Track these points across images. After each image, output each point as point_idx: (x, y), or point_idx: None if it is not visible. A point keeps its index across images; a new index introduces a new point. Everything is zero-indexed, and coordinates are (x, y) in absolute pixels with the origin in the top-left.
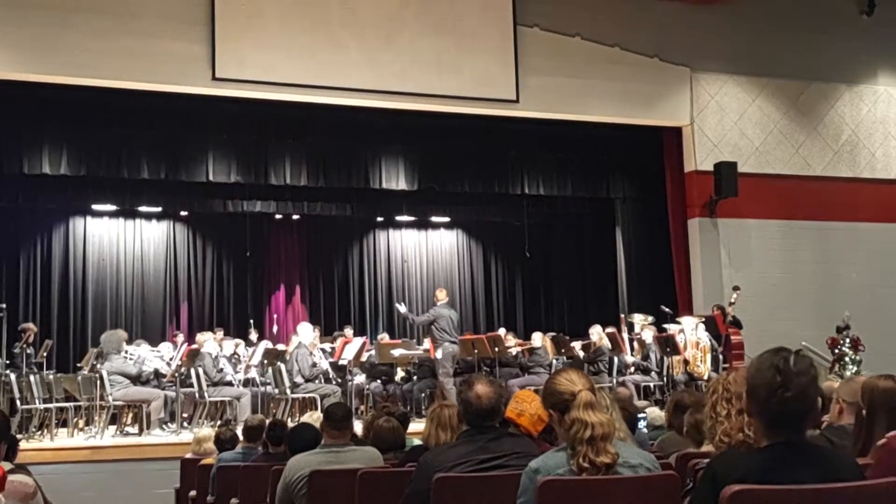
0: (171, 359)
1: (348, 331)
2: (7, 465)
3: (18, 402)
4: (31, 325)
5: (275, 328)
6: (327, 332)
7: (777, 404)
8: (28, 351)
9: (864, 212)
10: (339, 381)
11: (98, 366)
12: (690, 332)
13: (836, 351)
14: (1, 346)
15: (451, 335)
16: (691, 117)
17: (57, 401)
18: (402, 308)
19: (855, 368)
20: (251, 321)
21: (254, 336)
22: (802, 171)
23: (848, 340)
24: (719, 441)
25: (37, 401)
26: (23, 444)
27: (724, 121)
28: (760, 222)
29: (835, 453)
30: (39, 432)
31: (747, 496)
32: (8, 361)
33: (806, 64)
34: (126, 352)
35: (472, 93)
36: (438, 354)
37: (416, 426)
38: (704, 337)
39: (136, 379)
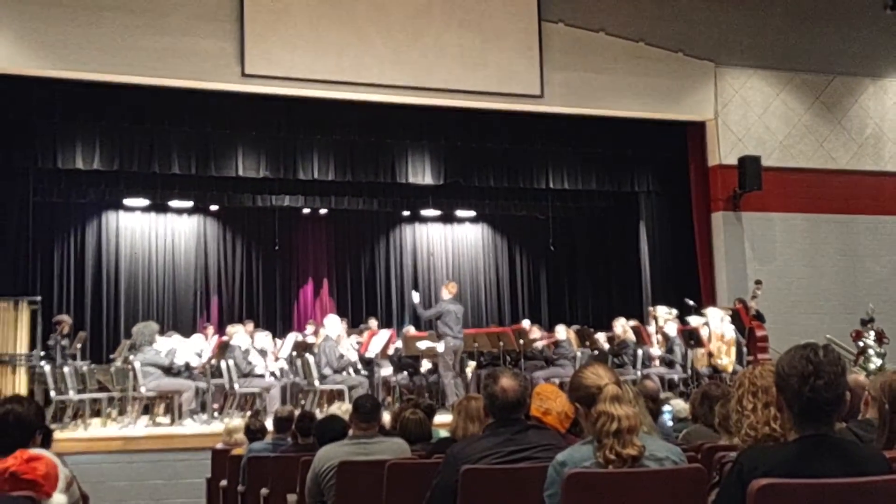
0: (201, 350)
1: (373, 322)
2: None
3: (53, 393)
4: (65, 317)
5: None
6: (354, 325)
7: (810, 391)
8: (63, 343)
9: (889, 205)
10: (366, 373)
11: (131, 357)
12: (716, 324)
13: (861, 344)
14: (36, 338)
15: (455, 331)
16: (715, 111)
17: (91, 392)
18: (417, 297)
19: (880, 361)
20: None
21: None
22: (826, 164)
23: (872, 333)
24: (745, 435)
25: (71, 392)
26: (57, 434)
27: (748, 115)
28: (784, 216)
29: (862, 447)
30: (73, 422)
31: (775, 490)
32: (43, 353)
33: (830, 58)
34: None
35: (497, 88)
36: (440, 348)
37: (442, 418)
38: (730, 330)
39: (168, 370)
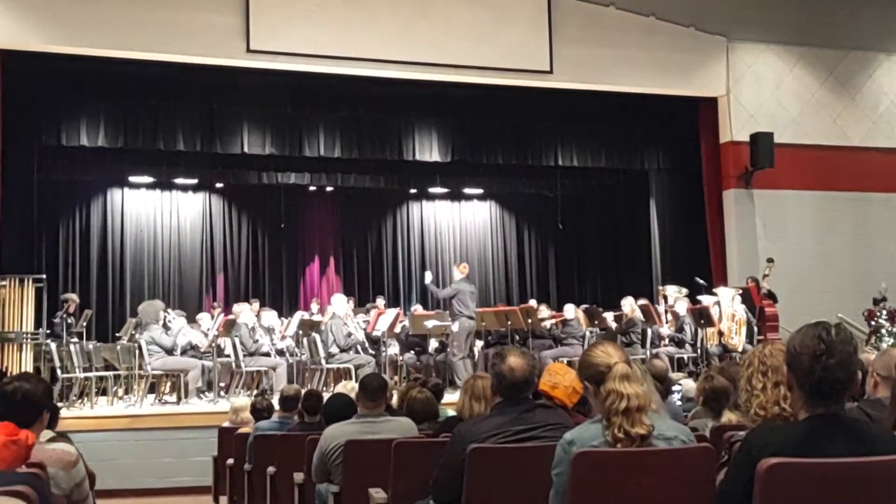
0: (207, 329)
1: (380, 301)
2: (49, 433)
3: (59, 371)
4: (72, 295)
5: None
6: (361, 304)
7: (822, 370)
8: (69, 321)
9: None
10: (373, 352)
11: (137, 336)
12: (727, 303)
13: (873, 323)
14: (42, 316)
15: (469, 310)
16: (727, 87)
17: (97, 370)
18: (429, 277)
19: (892, 340)
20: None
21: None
22: (840, 141)
23: (885, 312)
24: (755, 414)
25: (77, 370)
26: (64, 413)
27: (760, 91)
28: (797, 193)
29: (872, 426)
30: (80, 401)
31: (784, 469)
32: (48, 331)
33: (843, 33)
34: (168, 320)
35: (506, 64)
36: (455, 328)
37: (450, 397)
38: (741, 309)
39: (169, 352)
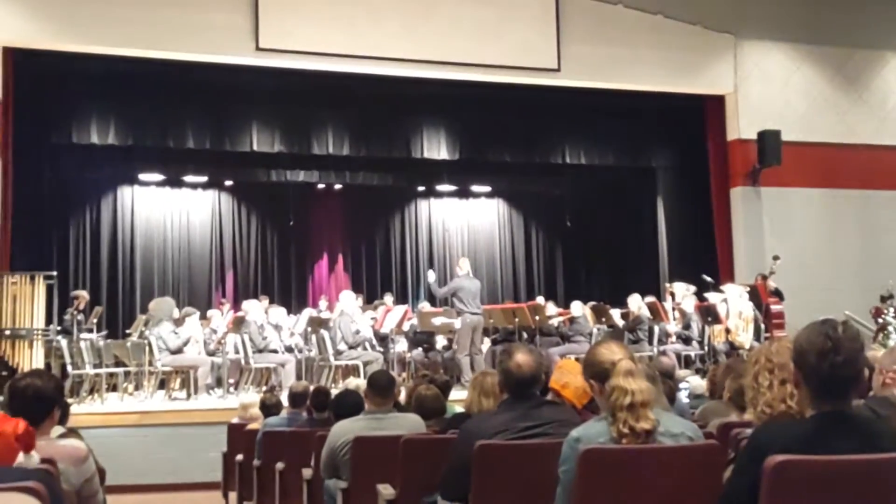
0: (217, 327)
1: (388, 298)
2: (59, 429)
3: (70, 368)
4: (83, 292)
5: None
6: (369, 301)
7: (829, 368)
8: (79, 318)
9: None
10: (382, 349)
11: (147, 332)
12: (734, 301)
13: (880, 320)
14: (52, 313)
15: (471, 307)
16: (735, 85)
17: (107, 366)
18: (432, 277)
19: None
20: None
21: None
22: (847, 139)
23: (892, 310)
24: (761, 412)
25: (87, 366)
26: (74, 408)
27: (767, 88)
28: (804, 191)
29: (879, 423)
30: (90, 397)
31: (791, 467)
32: (59, 328)
33: (852, 31)
34: (175, 322)
35: (514, 62)
36: (457, 325)
37: (458, 394)
38: (748, 306)
39: (174, 353)
